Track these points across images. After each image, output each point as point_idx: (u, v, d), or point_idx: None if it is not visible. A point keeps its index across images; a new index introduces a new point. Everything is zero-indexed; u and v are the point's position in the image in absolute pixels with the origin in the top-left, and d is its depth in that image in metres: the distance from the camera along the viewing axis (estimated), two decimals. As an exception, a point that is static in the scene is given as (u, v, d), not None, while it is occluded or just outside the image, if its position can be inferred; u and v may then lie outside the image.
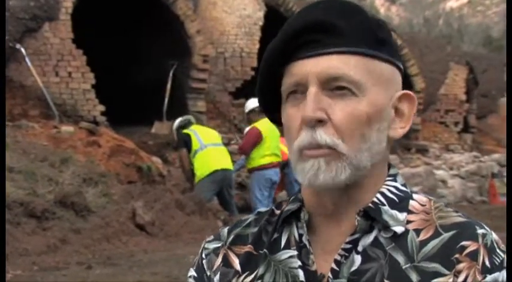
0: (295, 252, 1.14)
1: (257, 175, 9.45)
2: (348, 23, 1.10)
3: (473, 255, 1.08)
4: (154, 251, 7.77)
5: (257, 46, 16.61)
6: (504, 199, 14.63)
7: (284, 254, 1.15)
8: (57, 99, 12.89)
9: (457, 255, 1.08)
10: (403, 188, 1.16)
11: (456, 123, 21.14)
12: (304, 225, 1.14)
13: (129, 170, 10.94)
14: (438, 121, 20.92)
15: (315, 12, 1.11)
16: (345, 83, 1.09)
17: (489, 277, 1.07)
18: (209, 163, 9.31)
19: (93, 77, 13.22)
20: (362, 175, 1.11)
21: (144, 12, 15.33)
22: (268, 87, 1.15)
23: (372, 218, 1.11)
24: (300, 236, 1.15)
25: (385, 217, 1.11)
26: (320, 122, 1.08)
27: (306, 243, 1.14)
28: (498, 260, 1.08)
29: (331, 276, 1.10)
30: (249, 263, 1.17)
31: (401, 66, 1.17)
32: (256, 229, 1.20)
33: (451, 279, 1.07)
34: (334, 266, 1.11)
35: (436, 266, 1.08)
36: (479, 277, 1.07)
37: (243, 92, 15.15)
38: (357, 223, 1.11)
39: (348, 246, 1.11)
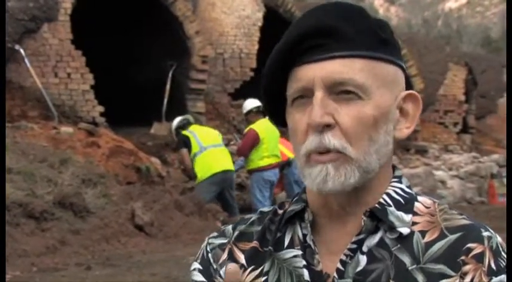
0: (299, 252, 1.14)
1: (256, 176, 9.46)
2: (351, 26, 1.10)
3: (479, 258, 1.09)
4: (153, 251, 7.77)
5: (256, 47, 16.62)
6: (503, 200, 14.65)
7: (288, 253, 1.15)
8: (56, 100, 12.89)
9: (463, 257, 1.09)
10: (408, 190, 1.17)
11: (455, 124, 21.16)
12: (308, 225, 1.15)
13: (128, 170, 10.94)
14: (437, 122, 20.94)
15: (319, 16, 1.11)
16: (351, 87, 1.09)
17: (495, 279, 1.08)
18: (209, 165, 9.29)
19: (92, 77, 13.22)
20: (370, 177, 1.11)
21: (143, 13, 15.33)
22: (273, 91, 1.16)
23: (377, 218, 1.12)
24: (304, 236, 1.15)
25: (391, 218, 1.12)
26: (328, 127, 1.08)
27: (311, 243, 1.14)
28: (503, 262, 1.10)
29: (336, 276, 1.11)
30: (254, 258, 1.18)
31: (404, 66, 1.18)
32: (259, 228, 1.21)
33: (457, 281, 1.08)
34: (339, 266, 1.11)
35: (442, 268, 1.08)
36: (485, 279, 1.08)
37: (242, 93, 15.15)
38: (363, 223, 1.11)
39: (354, 246, 1.11)
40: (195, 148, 9.39)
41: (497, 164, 17.55)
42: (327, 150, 1.09)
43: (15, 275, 6.46)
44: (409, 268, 1.09)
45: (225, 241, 1.22)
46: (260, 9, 16.87)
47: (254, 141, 9.32)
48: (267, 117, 10.04)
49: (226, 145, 10.98)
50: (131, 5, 15.07)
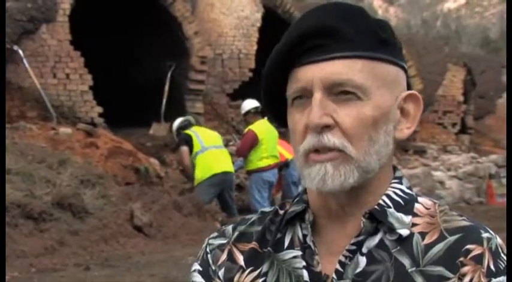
0: (299, 253, 1.14)
1: (255, 177, 9.47)
2: (351, 27, 1.10)
3: (478, 259, 1.08)
4: (152, 252, 7.77)
5: (255, 47, 16.62)
6: (502, 200, 14.65)
7: (288, 254, 1.15)
8: (55, 101, 12.88)
9: (461, 259, 1.08)
10: (408, 191, 1.16)
11: (454, 125, 21.17)
12: (309, 226, 1.15)
13: (127, 171, 10.93)
14: (436, 122, 20.95)
15: (319, 17, 1.11)
16: (350, 88, 1.09)
17: (494, 281, 1.07)
18: (209, 166, 9.29)
19: (90, 78, 13.22)
20: (369, 178, 1.11)
21: (142, 14, 15.33)
22: (273, 92, 1.16)
23: (377, 220, 1.11)
24: (304, 236, 1.15)
25: (391, 219, 1.11)
26: (327, 127, 1.08)
27: (311, 244, 1.14)
28: (503, 264, 1.09)
29: (335, 277, 1.11)
30: (253, 260, 1.17)
31: (406, 66, 1.17)
32: (260, 228, 1.21)
33: None
34: (338, 267, 1.11)
35: (440, 270, 1.08)
36: (484, 280, 1.07)
37: (240, 94, 15.14)
38: (362, 225, 1.11)
39: (353, 247, 1.11)
40: (196, 147, 9.38)
41: (496, 165, 17.55)
42: (326, 149, 1.08)
43: (13, 275, 6.45)
44: (409, 270, 1.09)
45: (225, 242, 1.22)
46: (259, 9, 16.87)
47: (253, 142, 9.32)
48: (265, 118, 10.06)
49: (225, 146, 10.98)
50: (130, 6, 15.07)
